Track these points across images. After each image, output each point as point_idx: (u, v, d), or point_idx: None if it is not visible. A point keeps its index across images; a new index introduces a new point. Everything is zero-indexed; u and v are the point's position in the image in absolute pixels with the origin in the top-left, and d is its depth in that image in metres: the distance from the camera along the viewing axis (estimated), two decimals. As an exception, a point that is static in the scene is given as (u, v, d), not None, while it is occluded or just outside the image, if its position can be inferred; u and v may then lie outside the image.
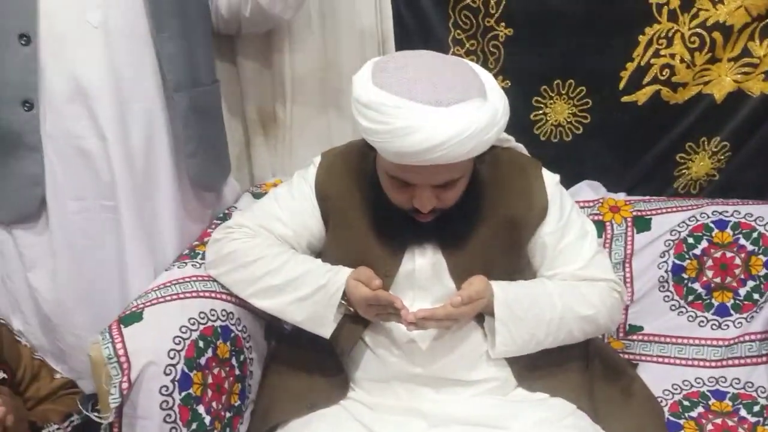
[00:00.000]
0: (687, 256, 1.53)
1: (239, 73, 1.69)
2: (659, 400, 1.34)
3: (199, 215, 1.53)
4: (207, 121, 1.47)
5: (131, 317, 1.12)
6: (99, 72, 1.26)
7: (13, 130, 1.26)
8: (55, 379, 1.32)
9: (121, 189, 1.33)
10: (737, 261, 1.52)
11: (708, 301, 1.53)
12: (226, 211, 1.56)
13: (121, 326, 1.10)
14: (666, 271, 1.54)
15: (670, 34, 1.51)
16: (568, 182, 1.59)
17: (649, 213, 1.57)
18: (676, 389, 1.45)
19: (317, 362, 1.23)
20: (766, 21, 1.48)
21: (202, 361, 1.13)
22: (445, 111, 0.97)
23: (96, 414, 1.07)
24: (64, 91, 1.26)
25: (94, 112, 1.28)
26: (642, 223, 1.56)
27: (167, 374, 1.07)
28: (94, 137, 1.30)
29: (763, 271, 1.50)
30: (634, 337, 1.55)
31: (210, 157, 1.49)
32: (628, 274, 1.55)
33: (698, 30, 1.50)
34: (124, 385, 1.04)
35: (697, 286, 1.53)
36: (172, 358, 1.08)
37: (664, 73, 1.54)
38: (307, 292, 1.15)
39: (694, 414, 1.38)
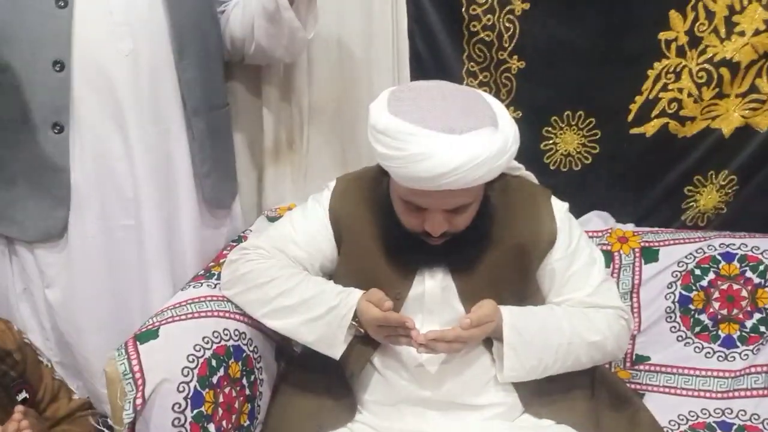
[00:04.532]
0: (694, 288, 1.54)
1: (263, 99, 1.73)
2: (665, 430, 1.34)
3: (215, 235, 1.57)
4: (220, 142, 1.53)
5: (147, 335, 1.14)
6: (128, 96, 1.32)
7: (43, 152, 1.31)
8: (73, 400, 1.32)
9: (144, 207, 1.37)
10: (744, 293, 1.52)
11: (714, 332, 1.53)
12: (242, 234, 1.58)
13: (137, 343, 1.12)
14: (673, 302, 1.54)
15: (678, 69, 1.54)
16: (577, 212, 1.59)
17: (656, 244, 1.58)
18: (682, 420, 1.44)
19: (326, 384, 1.24)
20: (774, 58, 1.51)
21: (214, 379, 1.14)
22: (458, 138, 1.01)
23: (109, 429, 1.09)
24: (96, 114, 1.32)
25: (125, 132, 1.33)
26: (650, 254, 1.57)
27: (180, 391, 1.08)
28: (123, 156, 1.35)
29: (769, 304, 1.50)
30: (641, 367, 1.55)
31: (221, 177, 1.55)
32: (635, 304, 1.55)
33: (706, 66, 1.53)
34: (138, 401, 1.05)
35: (703, 317, 1.54)
36: (185, 376, 1.10)
37: (672, 107, 1.57)
38: (319, 312, 1.16)
39: (700, 445, 1.38)
